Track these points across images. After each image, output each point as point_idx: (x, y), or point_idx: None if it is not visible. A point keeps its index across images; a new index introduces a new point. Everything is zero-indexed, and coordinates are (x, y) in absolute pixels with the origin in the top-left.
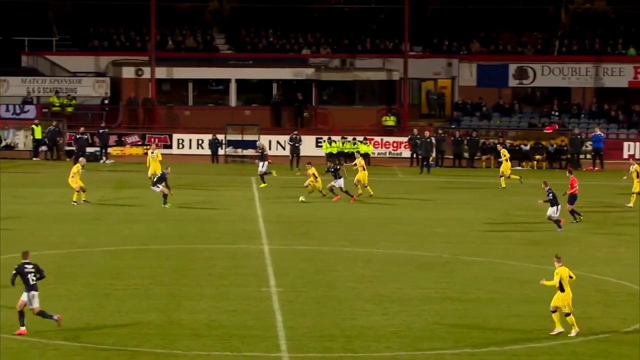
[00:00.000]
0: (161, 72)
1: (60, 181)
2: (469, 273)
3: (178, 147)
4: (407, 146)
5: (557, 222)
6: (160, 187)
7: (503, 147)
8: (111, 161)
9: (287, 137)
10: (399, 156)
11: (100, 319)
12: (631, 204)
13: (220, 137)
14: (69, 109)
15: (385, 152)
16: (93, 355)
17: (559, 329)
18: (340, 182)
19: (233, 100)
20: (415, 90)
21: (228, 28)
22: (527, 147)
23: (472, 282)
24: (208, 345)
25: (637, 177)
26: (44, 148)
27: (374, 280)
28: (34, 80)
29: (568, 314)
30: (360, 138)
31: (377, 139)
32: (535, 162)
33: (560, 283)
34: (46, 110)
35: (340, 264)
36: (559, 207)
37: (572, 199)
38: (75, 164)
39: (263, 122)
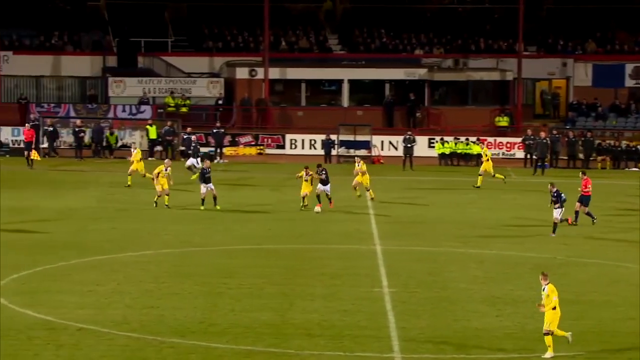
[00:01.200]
0: (274, 73)
1: (176, 180)
2: (583, 275)
3: (291, 148)
4: (520, 147)
5: (554, 225)
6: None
7: (485, 147)
8: (225, 161)
9: (399, 138)
10: (512, 157)
11: (214, 317)
12: None
13: (333, 137)
14: (184, 109)
15: (499, 153)
16: (207, 354)
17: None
18: (327, 188)
19: (345, 101)
20: (529, 90)
21: (341, 28)
22: None
23: (587, 284)
24: (320, 345)
25: None
26: (159, 148)
27: (487, 282)
28: (149, 81)
29: (548, 333)
30: (473, 138)
31: (490, 139)
32: None
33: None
34: (161, 110)
35: (453, 265)
36: (563, 209)
37: (586, 200)
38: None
39: (375, 122)
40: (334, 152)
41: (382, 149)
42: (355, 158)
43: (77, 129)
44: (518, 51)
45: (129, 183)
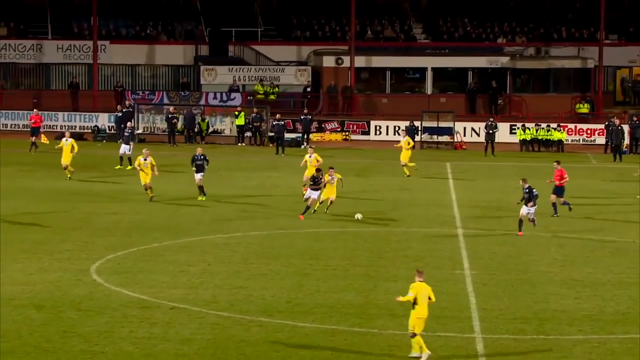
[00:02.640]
0: (360, 61)
1: (263, 165)
2: None
3: (375, 134)
4: (600, 133)
5: (532, 221)
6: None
7: (408, 135)
8: (312, 147)
9: (481, 124)
10: (592, 143)
11: (300, 297)
12: None
13: (417, 123)
14: (272, 97)
15: (579, 139)
16: (294, 332)
17: (419, 353)
18: (317, 194)
19: (429, 88)
20: (609, 78)
21: (425, 18)
22: None
23: None
24: (403, 325)
25: None
26: (248, 134)
27: (566, 265)
28: (240, 69)
29: (414, 335)
30: (554, 125)
31: (571, 126)
32: None
33: (415, 299)
34: (251, 97)
35: (533, 248)
36: (536, 207)
37: (560, 191)
38: (277, 148)
39: (458, 109)
40: (417, 138)
41: (464, 135)
42: (308, 148)
43: (170, 116)
44: (599, 39)
45: None
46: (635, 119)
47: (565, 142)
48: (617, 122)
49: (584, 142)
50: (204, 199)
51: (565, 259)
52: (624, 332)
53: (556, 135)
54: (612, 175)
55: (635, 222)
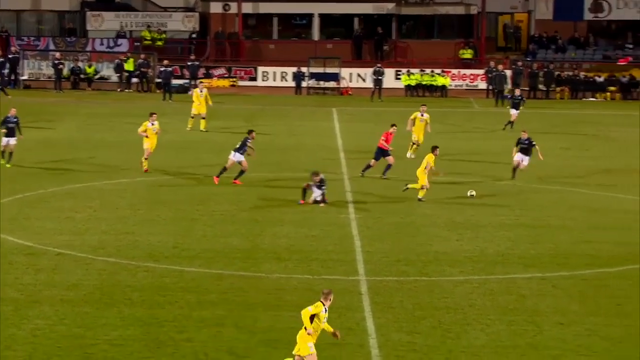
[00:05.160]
0: (247, 7)
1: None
2: (542, 201)
3: (263, 80)
4: (483, 78)
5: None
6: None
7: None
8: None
9: (367, 70)
10: (475, 88)
11: (187, 242)
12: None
13: (304, 69)
14: (159, 43)
15: (462, 84)
16: (180, 277)
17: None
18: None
19: (316, 34)
20: (492, 23)
21: None
22: (601, 79)
23: (545, 209)
24: (289, 268)
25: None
26: (135, 80)
27: (449, 208)
28: (127, 15)
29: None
30: (438, 71)
31: (455, 71)
32: (608, 94)
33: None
34: (138, 44)
35: (417, 192)
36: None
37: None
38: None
39: (344, 55)
40: (304, 84)
41: (350, 81)
42: (199, 83)
43: (56, 62)
44: None
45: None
46: (520, 63)
47: (448, 87)
48: (500, 67)
49: (467, 87)
50: (9, 166)
51: (448, 201)
52: (504, 272)
53: (440, 81)
54: (495, 119)
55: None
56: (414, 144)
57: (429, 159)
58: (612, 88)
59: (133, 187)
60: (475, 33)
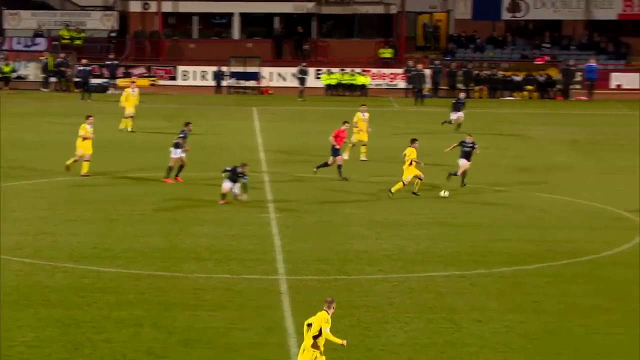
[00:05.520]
0: (167, 6)
1: (69, 111)
2: (460, 199)
3: (182, 79)
4: (402, 78)
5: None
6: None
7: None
8: (118, 92)
9: (288, 70)
10: (395, 87)
11: (107, 243)
12: None
13: (224, 69)
14: (78, 42)
15: (382, 84)
16: (99, 278)
17: None
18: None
19: (236, 34)
20: (411, 23)
21: None
22: (519, 78)
23: (463, 207)
24: (209, 268)
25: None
26: (53, 79)
27: (369, 207)
28: (44, 14)
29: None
30: (358, 70)
31: (375, 70)
32: (526, 93)
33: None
34: (56, 43)
35: (338, 192)
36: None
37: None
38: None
39: (265, 54)
40: (224, 83)
41: (271, 80)
42: (131, 84)
43: None
44: None
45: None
46: (438, 62)
47: (368, 87)
48: (420, 66)
49: (387, 87)
50: None
51: (368, 200)
52: (423, 270)
53: (360, 80)
54: (414, 118)
55: (434, 162)
56: (353, 145)
57: (411, 153)
58: (529, 87)
59: (52, 187)
60: (394, 32)
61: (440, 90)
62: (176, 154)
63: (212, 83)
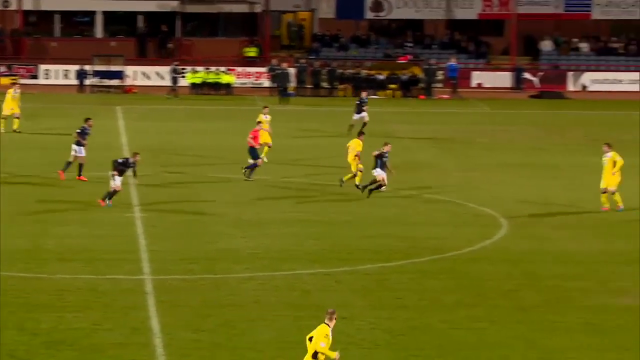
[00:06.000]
0: (28, 4)
1: None
2: (325, 197)
3: (44, 78)
4: (267, 76)
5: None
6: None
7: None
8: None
9: (152, 68)
10: (260, 86)
11: None
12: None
13: (87, 67)
14: None
15: (247, 82)
16: None
17: None
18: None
19: (99, 32)
20: (276, 22)
21: None
22: (382, 77)
23: (328, 205)
24: (73, 268)
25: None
26: None
27: (236, 206)
28: None
29: None
30: (223, 69)
31: (239, 69)
32: (390, 92)
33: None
34: None
35: (205, 191)
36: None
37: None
38: None
39: (128, 53)
40: (87, 82)
41: (135, 79)
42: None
43: None
44: None
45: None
46: (303, 61)
47: (233, 85)
48: (284, 65)
49: (252, 85)
50: None
51: (235, 200)
52: (289, 268)
53: (225, 79)
54: (279, 117)
55: (301, 160)
56: (268, 147)
57: (357, 145)
58: (392, 86)
59: None
60: (259, 31)
61: (305, 89)
62: (81, 152)
63: (75, 82)
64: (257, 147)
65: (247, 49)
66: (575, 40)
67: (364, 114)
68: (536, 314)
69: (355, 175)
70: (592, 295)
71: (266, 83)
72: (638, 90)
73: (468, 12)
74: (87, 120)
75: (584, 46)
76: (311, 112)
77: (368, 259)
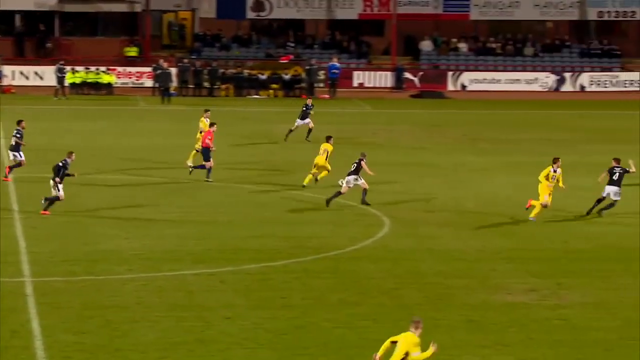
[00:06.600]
0: None
1: None
2: (208, 197)
3: None
4: (149, 76)
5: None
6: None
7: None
8: None
9: (30, 68)
10: (141, 86)
11: None
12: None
13: None
14: None
15: (128, 82)
16: None
17: None
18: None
19: None
20: (156, 21)
21: None
22: (264, 77)
23: (212, 206)
24: None
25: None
26: None
27: (118, 207)
28: None
29: None
30: (104, 68)
31: (120, 69)
32: (272, 91)
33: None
34: None
35: (85, 190)
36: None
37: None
38: None
39: (6, 52)
40: None
41: (13, 79)
42: None
43: None
44: None
45: None
46: (186, 61)
47: (114, 85)
48: (165, 65)
49: (133, 85)
50: None
51: (116, 199)
52: (171, 269)
53: (105, 79)
54: (161, 117)
55: (182, 161)
56: (197, 151)
57: (328, 147)
58: (274, 85)
59: None
60: (139, 31)
61: (187, 89)
62: (21, 156)
63: None
64: (212, 149)
65: (128, 49)
66: (455, 40)
67: (308, 120)
68: (418, 311)
69: (314, 175)
70: (472, 293)
71: (148, 83)
72: (516, 90)
73: (349, 12)
74: (19, 122)
75: (463, 46)
76: (193, 112)
77: (252, 259)
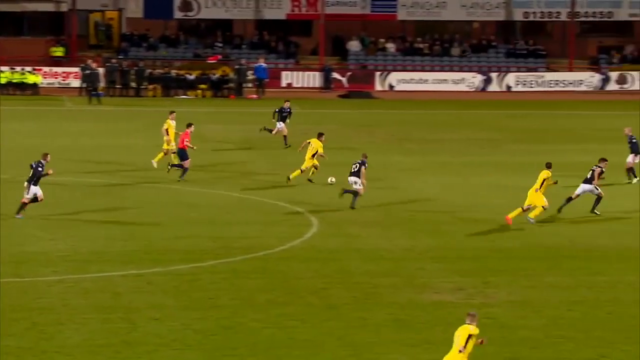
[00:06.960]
0: None
1: None
2: (136, 198)
3: None
4: (76, 76)
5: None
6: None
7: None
8: None
9: None
10: (67, 86)
11: None
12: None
13: None
14: None
15: (54, 82)
16: None
17: None
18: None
19: None
20: (83, 21)
21: None
22: (192, 77)
23: (139, 207)
24: None
25: None
26: None
27: (43, 206)
28: None
29: None
30: (29, 68)
31: (46, 69)
32: (200, 92)
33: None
34: None
35: (10, 192)
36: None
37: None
38: None
39: None
40: None
41: None
42: None
43: None
44: None
45: None
46: (114, 61)
47: (40, 85)
48: (94, 65)
49: (59, 85)
50: None
51: (43, 201)
52: (98, 270)
53: (31, 79)
54: (89, 117)
55: (111, 162)
56: (166, 153)
57: (318, 145)
58: (203, 86)
59: None
60: (66, 31)
61: (114, 89)
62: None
63: None
64: (187, 149)
65: (54, 49)
66: (382, 40)
67: (283, 124)
68: (346, 311)
69: (302, 171)
70: (400, 292)
71: (74, 83)
72: (443, 90)
73: (277, 12)
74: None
75: (391, 46)
76: (120, 112)
77: (180, 260)
